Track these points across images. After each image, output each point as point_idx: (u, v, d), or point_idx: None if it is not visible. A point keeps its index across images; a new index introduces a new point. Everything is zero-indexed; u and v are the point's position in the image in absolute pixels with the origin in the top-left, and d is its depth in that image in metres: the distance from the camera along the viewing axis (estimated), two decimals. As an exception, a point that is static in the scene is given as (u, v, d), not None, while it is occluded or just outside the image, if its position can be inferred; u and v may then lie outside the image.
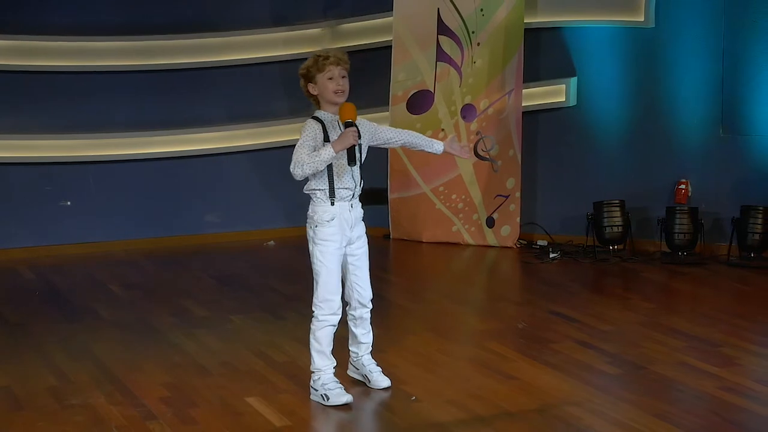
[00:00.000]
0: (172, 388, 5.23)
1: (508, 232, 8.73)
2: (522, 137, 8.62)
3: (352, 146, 4.76)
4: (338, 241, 4.93)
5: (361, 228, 5.04)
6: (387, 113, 8.86)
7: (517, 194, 8.68)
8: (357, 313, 5.11)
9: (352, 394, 4.98)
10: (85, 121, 8.64)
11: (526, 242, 8.81)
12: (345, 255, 5.01)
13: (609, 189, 8.53)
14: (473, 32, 8.59)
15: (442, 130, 8.76)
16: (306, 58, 5.03)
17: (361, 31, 9.22)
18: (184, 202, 9.06)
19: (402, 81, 8.83)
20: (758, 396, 5.10)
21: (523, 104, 8.62)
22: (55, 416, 4.85)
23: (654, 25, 8.32)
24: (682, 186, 8.37)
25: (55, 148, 8.57)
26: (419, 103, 8.80)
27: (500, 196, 8.70)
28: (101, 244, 8.72)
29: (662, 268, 8.04)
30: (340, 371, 5.14)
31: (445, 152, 5.14)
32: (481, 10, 8.54)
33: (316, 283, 4.96)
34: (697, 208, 8.23)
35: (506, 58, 8.52)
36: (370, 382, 5.16)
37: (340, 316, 4.98)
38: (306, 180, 4.92)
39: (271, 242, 9.01)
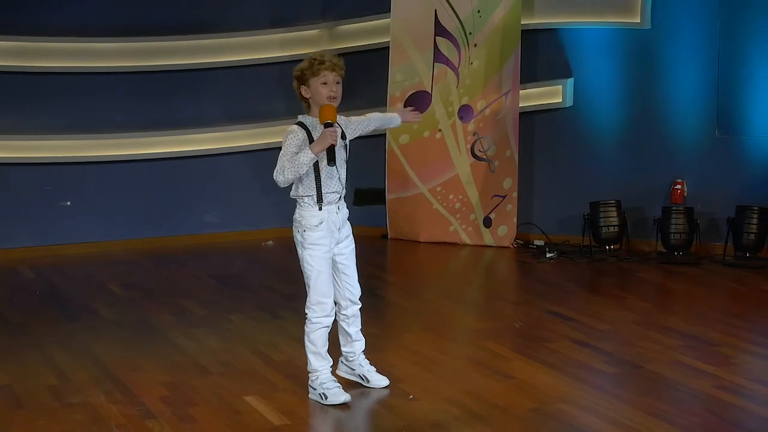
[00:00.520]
0: (172, 387, 5.23)
1: (505, 232, 8.75)
2: (519, 138, 8.64)
3: (331, 146, 4.74)
4: (327, 244, 4.92)
5: (348, 228, 5.04)
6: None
7: (514, 194, 8.69)
8: (349, 311, 5.10)
9: (350, 394, 4.98)
10: (85, 122, 8.64)
11: (522, 242, 8.83)
12: (333, 255, 5.00)
13: (605, 189, 8.54)
14: (470, 33, 8.60)
15: (440, 130, 8.78)
16: (302, 60, 5.02)
17: (359, 33, 9.23)
18: (183, 203, 9.06)
19: (400, 82, 8.83)
20: (754, 395, 5.11)
21: (519, 105, 8.63)
22: (55, 415, 4.86)
23: (650, 27, 8.33)
24: (678, 186, 8.39)
25: (55, 148, 8.58)
26: (417, 103, 8.74)
27: (497, 196, 8.72)
28: (101, 243, 8.73)
29: (658, 267, 8.05)
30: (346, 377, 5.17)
31: (403, 122, 5.34)
32: (478, 11, 8.55)
33: (308, 286, 4.95)
34: (692, 208, 8.25)
35: (503, 59, 8.53)
36: (369, 382, 5.15)
37: (333, 318, 4.99)
38: (292, 185, 4.91)
39: (270, 242, 9.03)
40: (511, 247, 8.73)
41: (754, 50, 8.11)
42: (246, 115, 9.16)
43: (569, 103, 8.75)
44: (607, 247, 8.42)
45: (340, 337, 5.18)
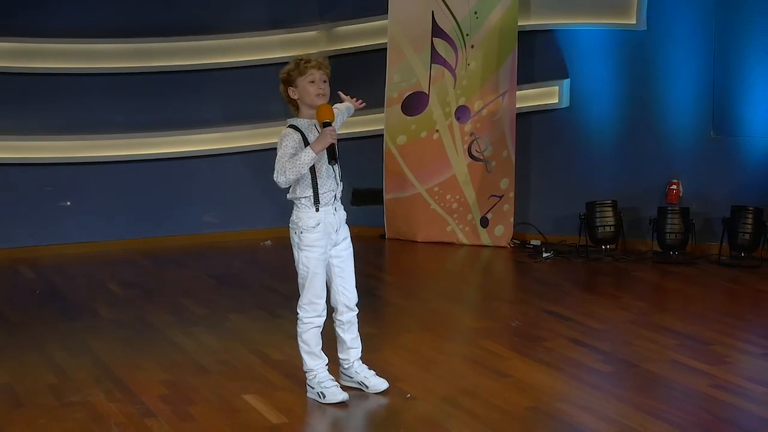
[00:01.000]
0: (171, 385, 5.24)
1: (501, 232, 8.76)
2: (516, 138, 8.64)
3: (331, 145, 4.74)
4: (323, 246, 4.90)
5: (345, 230, 5.01)
6: (382, 114, 8.89)
7: (511, 194, 8.70)
8: (344, 317, 5.05)
9: (347, 392, 4.98)
10: (85, 122, 8.65)
11: (519, 242, 8.84)
12: (330, 257, 4.98)
13: (601, 189, 8.55)
14: (467, 35, 8.61)
15: (437, 131, 8.79)
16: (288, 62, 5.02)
17: (357, 34, 9.24)
18: (182, 203, 9.07)
19: (397, 83, 8.84)
20: (748, 393, 5.12)
21: (516, 106, 8.63)
22: (55, 413, 4.87)
23: (646, 28, 8.34)
24: (674, 186, 8.41)
25: (55, 148, 8.59)
26: (414, 104, 8.82)
27: (494, 196, 8.74)
28: (101, 243, 8.74)
29: (654, 267, 8.06)
30: (335, 370, 5.14)
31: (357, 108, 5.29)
32: (475, 12, 8.56)
33: (302, 286, 4.94)
34: (688, 208, 8.25)
35: (500, 60, 8.55)
36: (368, 387, 5.08)
37: (324, 318, 4.96)
38: (289, 188, 4.90)
39: (268, 242, 9.03)
40: (508, 246, 8.74)
41: (749, 51, 8.13)
42: (245, 115, 9.17)
43: (566, 103, 8.76)
44: (603, 247, 8.43)
45: (337, 344, 5.13)
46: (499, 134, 8.66)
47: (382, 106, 8.88)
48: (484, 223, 8.80)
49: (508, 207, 8.73)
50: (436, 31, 8.69)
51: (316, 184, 4.85)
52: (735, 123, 8.27)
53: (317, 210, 4.88)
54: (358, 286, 5.12)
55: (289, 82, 4.90)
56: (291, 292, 7.10)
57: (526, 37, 8.68)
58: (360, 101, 5.30)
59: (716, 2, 8.22)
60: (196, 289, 7.43)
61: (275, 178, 4.79)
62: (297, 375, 5.31)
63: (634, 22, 8.37)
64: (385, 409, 4.93)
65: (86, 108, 8.67)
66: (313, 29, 9.27)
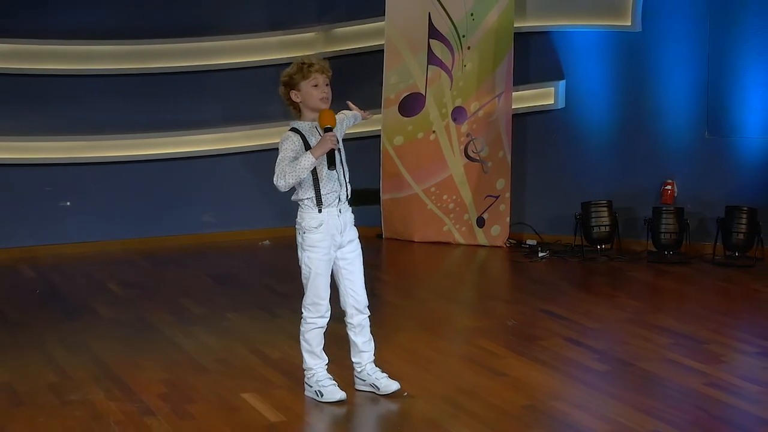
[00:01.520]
0: (170, 384, 5.27)
1: (498, 232, 8.77)
2: (512, 139, 8.65)
3: (331, 150, 4.72)
4: (326, 246, 4.89)
5: (352, 232, 5.00)
6: (379, 115, 8.86)
7: (507, 195, 8.71)
8: (355, 320, 5.02)
9: (344, 391, 5.00)
10: (84, 123, 8.65)
11: (515, 242, 8.83)
12: (336, 260, 4.96)
13: (597, 189, 8.56)
14: (464, 36, 8.61)
15: (434, 132, 8.80)
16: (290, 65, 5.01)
17: (354, 36, 9.24)
18: (181, 203, 9.05)
19: (394, 84, 8.84)
20: (742, 392, 5.15)
21: (512, 107, 8.64)
22: (55, 411, 4.90)
23: (641, 30, 8.34)
24: (668, 186, 8.41)
25: (54, 149, 8.58)
26: (411, 105, 8.82)
27: (490, 196, 8.75)
28: (100, 243, 8.72)
29: (649, 267, 8.08)
30: (343, 375, 5.15)
31: (363, 118, 5.20)
32: (472, 14, 8.57)
33: (305, 287, 4.93)
34: (682, 208, 8.26)
35: (496, 61, 8.55)
36: (379, 389, 5.05)
37: (327, 318, 4.95)
38: (293, 189, 4.90)
39: (266, 242, 9.02)
40: (504, 246, 8.75)
41: (743, 53, 8.14)
42: (243, 116, 9.16)
43: (561, 104, 8.76)
44: (599, 247, 8.43)
45: (350, 347, 5.09)
46: (495, 135, 8.67)
47: (379, 107, 8.87)
48: (481, 223, 8.81)
49: (504, 207, 8.73)
50: (433, 32, 8.69)
51: (318, 185, 4.85)
52: (729, 124, 8.28)
53: (320, 211, 4.87)
54: (367, 295, 5.11)
55: (291, 85, 4.88)
56: (289, 292, 7.14)
57: (522, 38, 8.67)
58: (368, 113, 5.26)
59: (710, 4, 8.23)
60: (195, 288, 7.43)
61: (275, 182, 4.80)
62: (295, 374, 5.34)
63: (629, 24, 8.38)
64: (382, 407, 4.94)
65: (86, 109, 8.66)
66: (311, 31, 9.27)
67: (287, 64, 9.58)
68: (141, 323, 6.50)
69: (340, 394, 4.96)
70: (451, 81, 8.72)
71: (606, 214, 8.41)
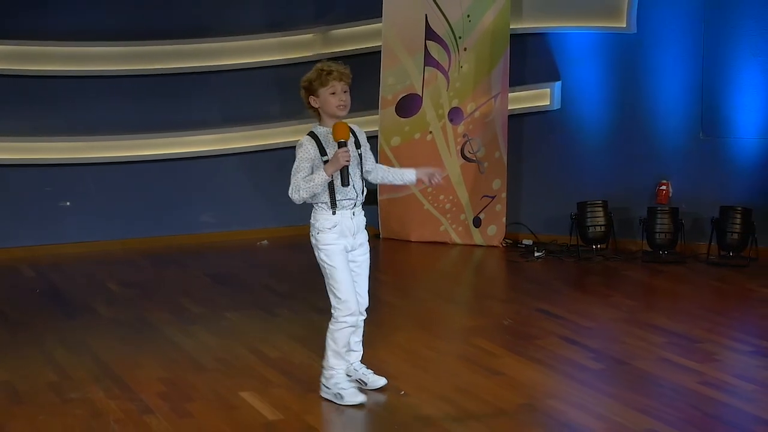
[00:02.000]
0: (169, 382, 5.29)
1: (494, 232, 8.80)
2: (508, 140, 8.67)
3: (344, 167, 4.72)
4: (341, 243, 4.90)
5: (363, 236, 5.01)
6: (377, 116, 8.92)
7: (503, 195, 8.73)
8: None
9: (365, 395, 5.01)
10: (84, 124, 8.65)
11: (511, 241, 8.85)
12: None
13: (592, 190, 8.58)
14: (460, 37, 8.63)
15: (430, 132, 8.82)
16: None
17: (352, 37, 9.27)
18: (180, 203, 9.06)
19: (391, 85, 8.86)
20: (736, 390, 5.17)
21: (508, 108, 8.66)
22: (55, 410, 4.92)
23: (636, 31, 8.36)
24: (663, 187, 8.42)
25: (54, 150, 8.59)
26: (408, 106, 8.84)
27: (487, 196, 8.77)
28: (100, 243, 8.73)
29: (644, 266, 8.09)
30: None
31: (419, 179, 5.02)
32: (468, 16, 8.59)
33: (330, 286, 4.91)
34: (677, 208, 8.28)
35: (492, 62, 8.58)
36: (367, 384, 5.12)
37: (357, 317, 4.95)
38: None
39: (265, 241, 9.01)
40: (500, 246, 8.77)
41: (737, 54, 8.16)
42: (242, 117, 9.17)
43: (557, 105, 8.78)
44: (594, 247, 8.44)
45: None
46: (491, 136, 8.70)
47: (377, 108, 8.90)
48: (477, 223, 8.84)
49: (500, 207, 8.76)
50: (430, 34, 8.71)
51: (334, 191, 4.85)
52: (723, 124, 8.30)
53: (333, 213, 4.88)
54: (369, 300, 5.13)
55: (310, 90, 4.87)
56: (287, 291, 7.19)
57: (518, 40, 8.70)
58: (437, 176, 5.01)
59: (705, 6, 8.24)
60: (194, 288, 7.44)
61: (290, 194, 4.83)
62: (293, 372, 5.39)
63: (625, 26, 8.40)
64: (379, 406, 4.96)
65: (85, 110, 8.67)
66: (309, 32, 9.26)
67: (286, 65, 9.70)
68: (140, 322, 6.51)
69: (360, 397, 4.97)
70: (448, 82, 8.74)
71: (601, 214, 8.42)
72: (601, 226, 8.43)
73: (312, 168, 4.83)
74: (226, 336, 6.19)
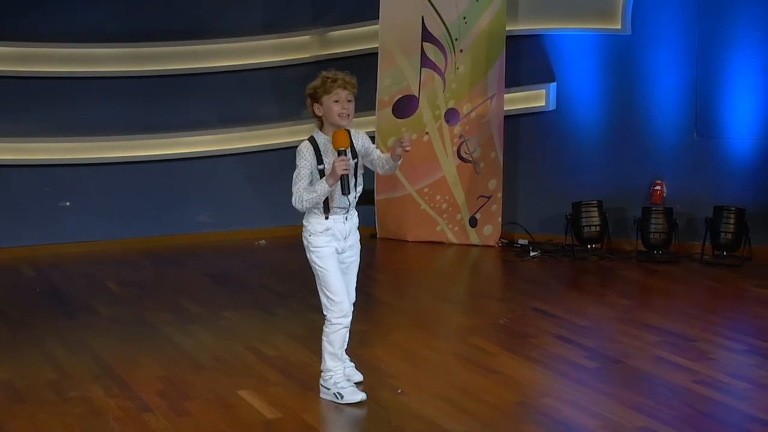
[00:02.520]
0: (167, 381, 5.31)
1: (490, 232, 8.82)
2: (504, 140, 8.69)
3: (345, 176, 4.72)
4: (332, 246, 4.91)
5: (354, 237, 5.02)
6: (374, 117, 8.93)
7: (499, 195, 8.76)
8: None
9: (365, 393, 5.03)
10: (83, 125, 8.66)
11: (507, 241, 8.88)
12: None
13: (587, 190, 8.61)
14: (456, 39, 8.66)
15: (427, 133, 8.83)
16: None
17: (349, 39, 9.29)
18: (178, 203, 9.08)
19: (388, 86, 8.88)
20: (730, 389, 5.19)
21: (504, 108, 8.68)
22: (54, 408, 4.93)
23: (630, 33, 8.40)
24: (658, 187, 8.46)
25: (54, 150, 8.60)
26: (404, 107, 8.87)
27: (482, 196, 8.80)
28: (99, 243, 8.74)
29: (638, 266, 8.11)
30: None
31: (398, 155, 4.85)
32: (464, 18, 8.62)
33: (321, 288, 4.93)
34: (671, 208, 8.30)
35: (488, 64, 8.60)
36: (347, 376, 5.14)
37: (350, 318, 4.96)
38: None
39: (263, 241, 9.04)
40: (496, 246, 8.80)
41: (730, 56, 8.20)
42: (239, 118, 9.19)
43: (552, 106, 8.81)
44: (589, 246, 8.47)
45: None
46: (487, 136, 8.72)
47: (374, 109, 8.91)
48: (473, 222, 8.87)
49: (496, 207, 8.79)
50: (426, 35, 8.73)
51: (329, 198, 4.86)
52: (717, 125, 8.33)
53: (326, 218, 4.90)
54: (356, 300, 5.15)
55: (315, 98, 4.87)
56: (285, 291, 7.18)
57: (514, 41, 8.71)
58: (402, 143, 4.86)
59: (699, 8, 8.27)
60: (193, 287, 7.45)
61: (293, 203, 4.84)
62: (291, 371, 5.41)
63: (619, 27, 8.43)
64: (376, 404, 4.98)
65: (84, 111, 8.69)
66: (306, 34, 9.29)
67: (283, 67, 9.72)
68: (140, 322, 6.52)
69: (360, 396, 4.98)
70: (444, 83, 8.77)
71: (596, 214, 8.45)
72: (595, 225, 8.45)
73: (311, 175, 4.84)
74: (224, 335, 6.20)
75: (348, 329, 4.98)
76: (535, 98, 8.88)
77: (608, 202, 8.52)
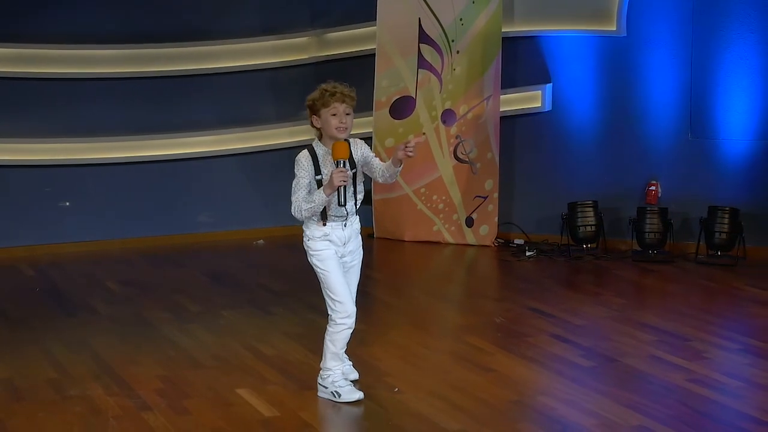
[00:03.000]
0: (166, 380, 5.33)
1: (486, 232, 8.85)
2: (500, 141, 8.71)
3: (341, 187, 4.71)
4: (332, 249, 4.92)
5: (355, 243, 5.02)
6: (371, 118, 8.92)
7: (495, 195, 8.77)
8: None
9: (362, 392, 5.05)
10: (83, 126, 8.67)
11: (503, 241, 8.89)
12: None
13: (583, 190, 8.62)
14: (453, 41, 8.67)
15: (423, 134, 8.83)
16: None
17: (346, 40, 9.30)
18: (177, 203, 9.09)
19: (385, 87, 8.88)
20: (725, 387, 5.22)
21: (500, 109, 8.70)
22: (54, 407, 4.95)
23: (626, 34, 8.41)
24: (653, 187, 8.47)
25: (54, 151, 8.61)
26: (401, 108, 8.88)
27: (479, 197, 8.82)
28: (99, 242, 8.75)
29: (633, 265, 8.12)
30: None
31: (399, 160, 4.87)
32: (461, 19, 8.63)
33: (324, 290, 4.95)
34: (666, 208, 8.32)
35: (485, 65, 8.62)
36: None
37: (354, 318, 4.95)
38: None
39: (261, 241, 9.04)
40: (492, 245, 8.81)
41: (725, 57, 8.21)
42: (238, 119, 9.19)
43: (548, 107, 8.82)
44: (585, 246, 8.48)
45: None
46: (483, 137, 8.75)
47: (371, 109, 8.91)
48: (470, 222, 8.88)
49: (492, 207, 8.80)
50: (423, 37, 8.75)
51: (326, 206, 4.87)
52: (712, 126, 8.34)
53: (324, 225, 4.91)
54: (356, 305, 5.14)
55: (313, 110, 4.87)
56: (283, 290, 7.19)
57: (510, 43, 8.73)
58: (402, 147, 4.88)
59: (694, 10, 8.28)
60: (191, 286, 7.46)
61: (292, 212, 4.86)
62: (289, 370, 5.44)
63: (615, 29, 8.44)
64: (373, 402, 5.00)
65: (84, 111, 8.70)
66: (303, 35, 9.30)
67: (281, 68, 9.73)
68: (139, 321, 6.54)
69: (357, 395, 5.01)
70: (441, 84, 8.79)
71: (592, 214, 8.46)
72: (591, 225, 8.46)
73: (310, 185, 4.86)
74: (223, 334, 6.21)
75: (352, 330, 4.99)
76: (531, 99, 8.89)
77: (603, 202, 8.54)
